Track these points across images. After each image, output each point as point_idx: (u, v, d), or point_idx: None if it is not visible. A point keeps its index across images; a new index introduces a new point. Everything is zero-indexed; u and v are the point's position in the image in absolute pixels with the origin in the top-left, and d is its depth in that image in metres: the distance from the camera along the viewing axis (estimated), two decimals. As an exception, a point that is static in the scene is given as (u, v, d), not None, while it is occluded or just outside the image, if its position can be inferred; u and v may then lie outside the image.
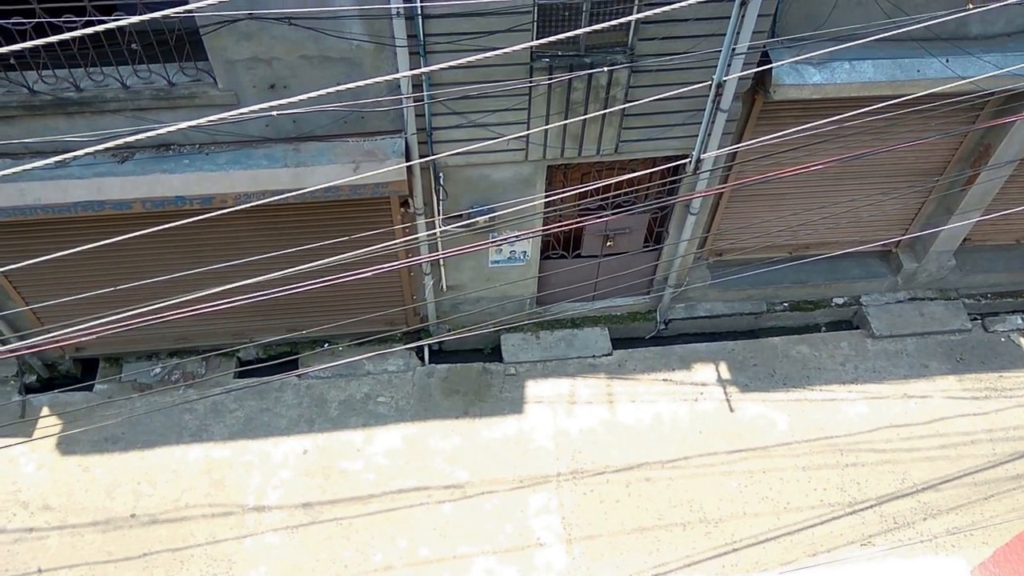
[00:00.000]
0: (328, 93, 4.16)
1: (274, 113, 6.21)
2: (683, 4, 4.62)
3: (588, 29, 4.41)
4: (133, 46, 5.93)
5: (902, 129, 7.36)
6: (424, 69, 5.68)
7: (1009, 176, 8.27)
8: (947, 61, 6.55)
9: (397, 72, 6.16)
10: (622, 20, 4.43)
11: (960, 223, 8.71)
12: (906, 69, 6.71)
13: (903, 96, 6.61)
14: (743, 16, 5.91)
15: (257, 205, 5.89)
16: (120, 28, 5.84)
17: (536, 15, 5.99)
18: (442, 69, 5.83)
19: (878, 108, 6.44)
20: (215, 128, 6.25)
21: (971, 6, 5.70)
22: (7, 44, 3.80)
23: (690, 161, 4.06)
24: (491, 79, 6.29)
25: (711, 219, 8.56)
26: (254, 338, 8.84)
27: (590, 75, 6.39)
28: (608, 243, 8.41)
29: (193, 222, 4.92)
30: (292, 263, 5.63)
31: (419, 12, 5.73)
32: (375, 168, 6.61)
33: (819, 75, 6.63)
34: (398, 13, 5.70)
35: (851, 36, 6.34)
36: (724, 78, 6.33)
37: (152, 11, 5.57)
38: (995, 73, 6.36)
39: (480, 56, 4.48)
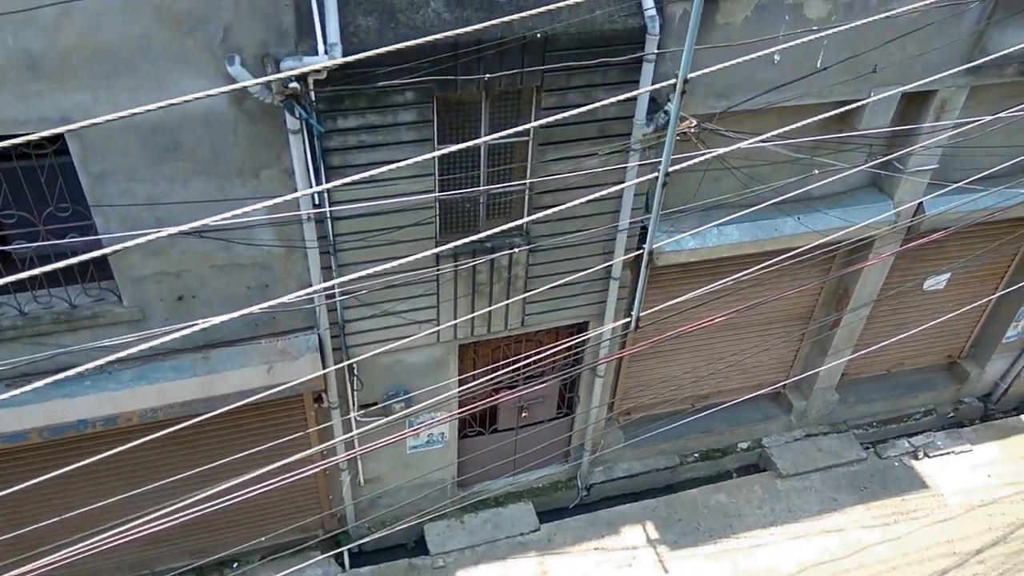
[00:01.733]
0: (242, 313, 4.25)
1: (181, 333, 6.16)
2: (569, 205, 5.18)
3: (483, 234, 4.82)
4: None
5: (773, 281, 8.19)
6: (334, 281, 5.91)
7: (869, 315, 9.24)
8: (799, 219, 7.50)
9: (308, 272, 6.36)
10: (514, 224, 4.90)
11: (834, 362, 9.51)
12: (765, 229, 7.61)
13: (768, 252, 7.45)
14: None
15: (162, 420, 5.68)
16: (20, 255, 5.78)
17: (438, 209, 6.45)
18: (354, 275, 6.09)
19: (749, 265, 7.21)
20: (119, 345, 6.10)
21: (816, 171, 6.68)
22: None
23: (631, 320, 4.50)
24: (400, 269, 6.58)
25: (616, 380, 8.93)
26: (154, 569, 8.06)
27: (492, 259, 6.83)
28: (523, 414, 8.54)
29: (93, 445, 4.66)
30: (199, 483, 5.36)
31: (328, 216, 6.04)
32: (289, 367, 6.58)
33: (693, 241, 7.39)
34: (308, 218, 5.98)
35: (717, 206, 7.19)
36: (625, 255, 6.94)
37: (56, 237, 5.61)
38: (843, 226, 7.33)
39: (388, 267, 4.75)
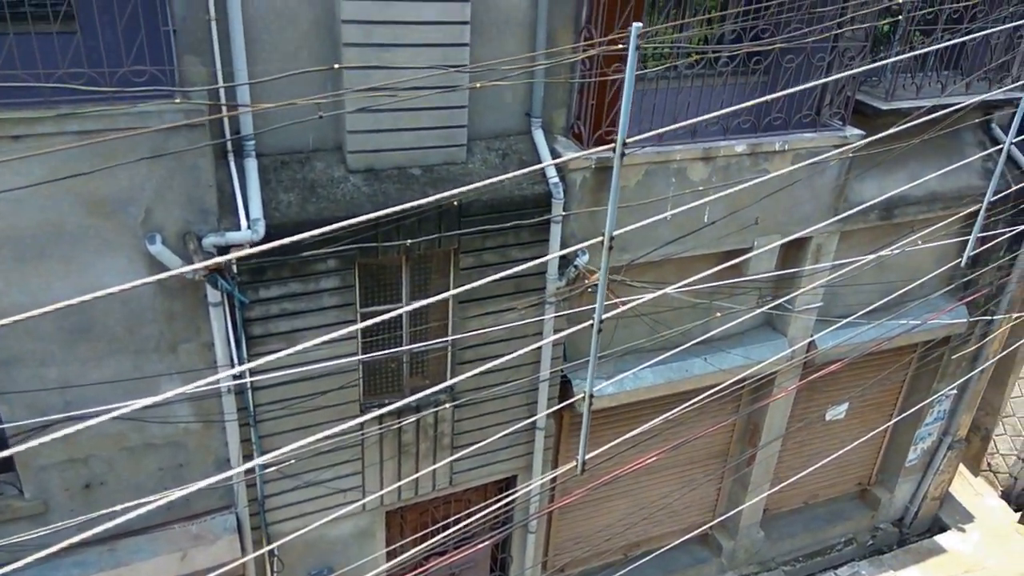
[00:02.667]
0: (156, 498, 4.08)
1: (91, 532, 5.74)
2: (494, 364, 5.35)
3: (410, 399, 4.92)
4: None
5: (691, 421, 8.47)
6: (256, 461, 5.75)
7: (781, 448, 9.59)
8: (706, 359, 7.91)
9: (226, 447, 6.13)
10: (445, 384, 5.01)
11: (755, 498, 9.71)
12: (677, 371, 7.97)
13: (681, 392, 7.76)
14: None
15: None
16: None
17: (362, 372, 6.47)
18: (276, 452, 5.94)
19: (664, 407, 7.47)
20: (15, 544, 5.58)
21: (718, 314, 7.16)
22: None
23: (576, 464, 4.51)
24: (322, 437, 6.44)
25: (547, 535, 8.75)
26: None
27: (418, 418, 6.81)
28: (456, 582, 8.17)
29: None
30: None
31: (249, 386, 5.95)
32: (205, 552, 6.16)
33: (612, 387, 7.64)
34: (228, 390, 5.86)
35: (628, 352, 7.53)
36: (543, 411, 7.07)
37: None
38: (746, 364, 7.78)
39: (312, 439, 4.71)
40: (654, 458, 7.78)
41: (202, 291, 5.51)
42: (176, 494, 3.37)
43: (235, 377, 5.84)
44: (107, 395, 5.52)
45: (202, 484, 3.90)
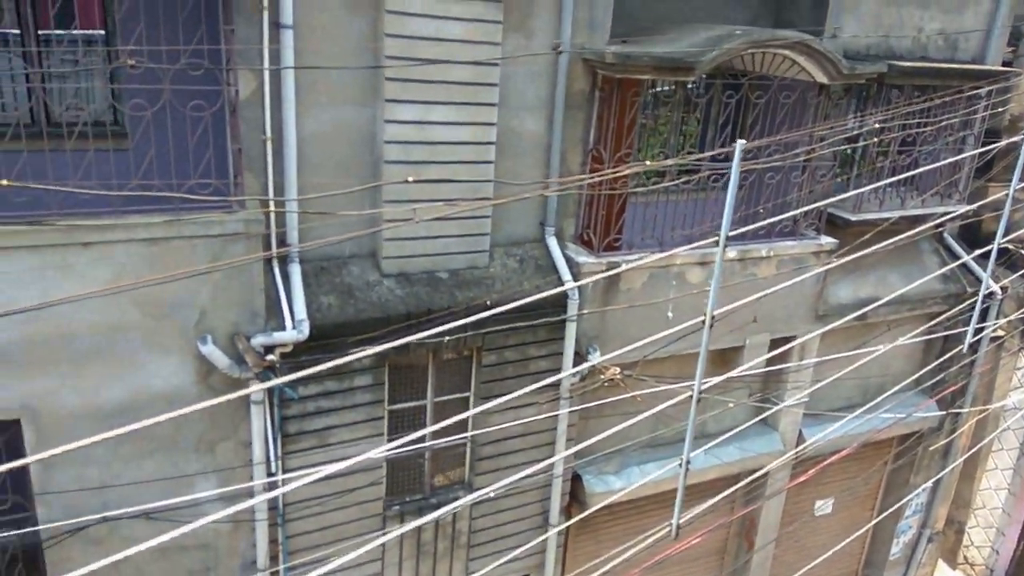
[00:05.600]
0: None
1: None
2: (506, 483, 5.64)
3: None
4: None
5: (693, 516, 8.71)
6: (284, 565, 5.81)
7: (775, 543, 9.84)
8: (705, 453, 8.27)
9: (254, 548, 6.16)
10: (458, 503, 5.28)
11: (755, 592, 9.84)
12: (674, 463, 8.28)
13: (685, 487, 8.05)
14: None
15: None
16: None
17: (387, 470, 6.63)
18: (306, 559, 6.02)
19: (667, 501, 7.72)
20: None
21: (731, 403, 7.59)
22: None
23: None
24: (346, 535, 6.52)
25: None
26: None
27: (438, 516, 6.92)
28: None
29: None
30: None
31: (280, 483, 6.06)
32: (226, 660, 6.05)
33: (619, 481, 7.90)
34: (264, 488, 5.96)
35: (632, 448, 7.85)
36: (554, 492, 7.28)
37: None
38: (742, 457, 8.15)
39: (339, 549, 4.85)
40: (658, 558, 7.97)
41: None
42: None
43: (268, 475, 5.96)
44: (143, 495, 5.59)
45: None
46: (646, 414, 5.04)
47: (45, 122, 5.11)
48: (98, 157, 5.09)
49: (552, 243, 7.04)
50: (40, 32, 5.56)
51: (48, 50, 5.47)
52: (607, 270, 7.02)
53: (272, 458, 5.90)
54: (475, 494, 4.44)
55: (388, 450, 6.43)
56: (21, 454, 5.20)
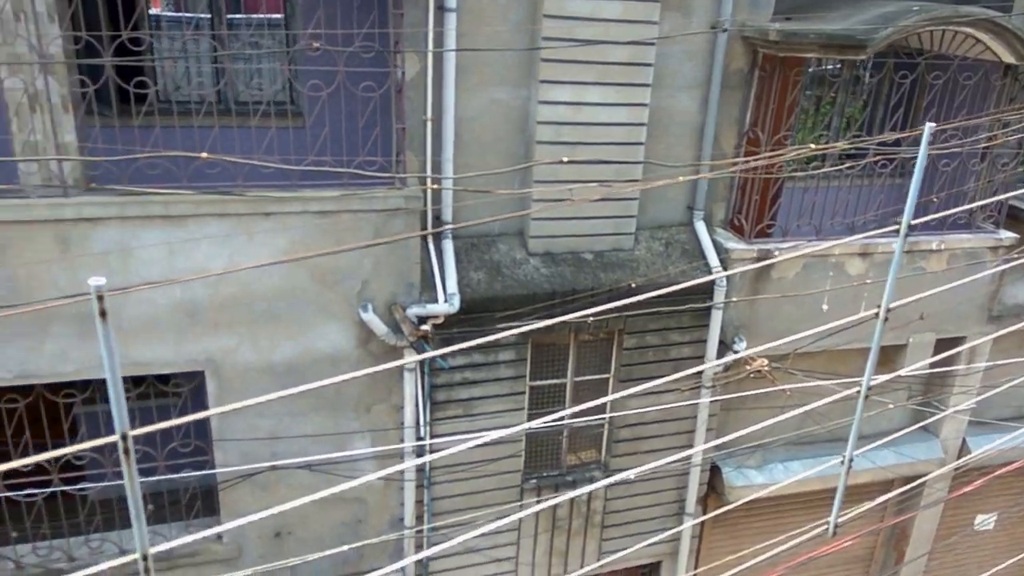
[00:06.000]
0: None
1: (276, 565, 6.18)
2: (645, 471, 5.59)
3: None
4: (150, 506, 5.96)
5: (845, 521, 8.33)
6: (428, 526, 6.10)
7: (928, 556, 9.22)
8: (861, 454, 7.85)
9: (402, 507, 6.52)
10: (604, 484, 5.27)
11: (900, 605, 9.28)
12: (826, 463, 7.92)
13: (830, 488, 7.70)
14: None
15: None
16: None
17: (526, 443, 6.80)
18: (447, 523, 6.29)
19: (810, 501, 7.42)
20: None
21: (890, 404, 7.20)
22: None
23: None
24: (486, 503, 6.75)
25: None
26: None
27: (573, 496, 7.02)
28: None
29: None
30: None
31: (428, 448, 6.36)
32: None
33: (761, 476, 7.67)
34: (411, 452, 6.29)
35: (775, 444, 7.59)
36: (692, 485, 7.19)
37: (172, 472, 5.86)
38: (897, 462, 7.68)
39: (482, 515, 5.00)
40: (802, 559, 7.68)
41: (400, 357, 6.03)
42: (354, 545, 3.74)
43: (418, 438, 6.27)
44: (307, 448, 6.05)
45: (378, 540, 4.26)
46: (800, 410, 4.87)
47: (232, 101, 5.60)
48: (277, 134, 5.51)
49: (700, 227, 6.90)
50: (228, 16, 6.08)
51: (235, 34, 5.97)
52: (758, 257, 6.80)
53: (422, 422, 6.20)
54: (611, 479, 4.47)
55: (529, 427, 6.62)
56: (204, 402, 5.77)
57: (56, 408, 5.52)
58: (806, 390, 7.02)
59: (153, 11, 6.69)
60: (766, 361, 6.57)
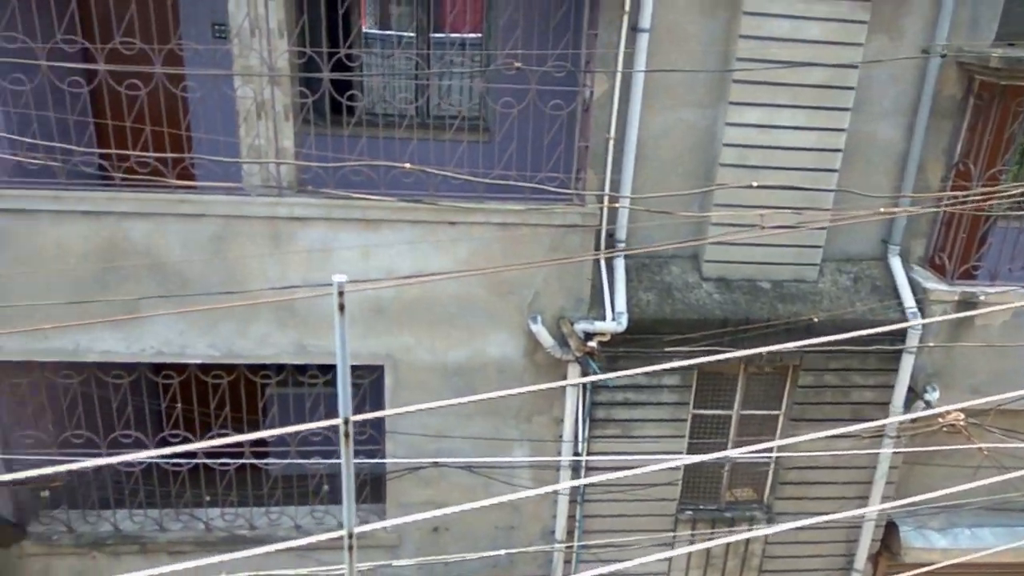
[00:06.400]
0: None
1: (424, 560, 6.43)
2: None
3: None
4: (325, 487, 6.42)
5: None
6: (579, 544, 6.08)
7: None
8: (1063, 532, 6.96)
9: (554, 519, 6.56)
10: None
11: None
12: (1022, 536, 7.08)
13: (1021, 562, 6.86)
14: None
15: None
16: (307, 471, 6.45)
17: (684, 472, 6.63)
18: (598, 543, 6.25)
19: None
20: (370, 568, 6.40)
21: None
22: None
23: None
24: (638, 527, 6.64)
25: None
26: None
27: (732, 540, 6.76)
28: None
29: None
30: None
31: (584, 465, 6.37)
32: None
33: (944, 540, 6.98)
34: (567, 466, 6.33)
35: (964, 507, 6.88)
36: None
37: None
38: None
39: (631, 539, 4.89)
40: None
41: (563, 370, 6.11)
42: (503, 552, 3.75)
43: (575, 454, 6.30)
44: (468, 450, 6.26)
45: (530, 550, 4.27)
46: (1000, 477, 4.40)
47: (427, 115, 5.96)
48: (468, 148, 5.78)
49: (895, 263, 6.43)
50: (431, 35, 6.48)
51: (437, 53, 6.34)
52: (961, 301, 6.22)
53: (580, 438, 6.23)
54: (776, 527, 4.24)
55: (690, 459, 6.44)
56: (381, 394, 6.14)
57: (253, 387, 6.09)
58: (1006, 451, 6.33)
59: (364, 29, 7.25)
60: (962, 415, 5.97)
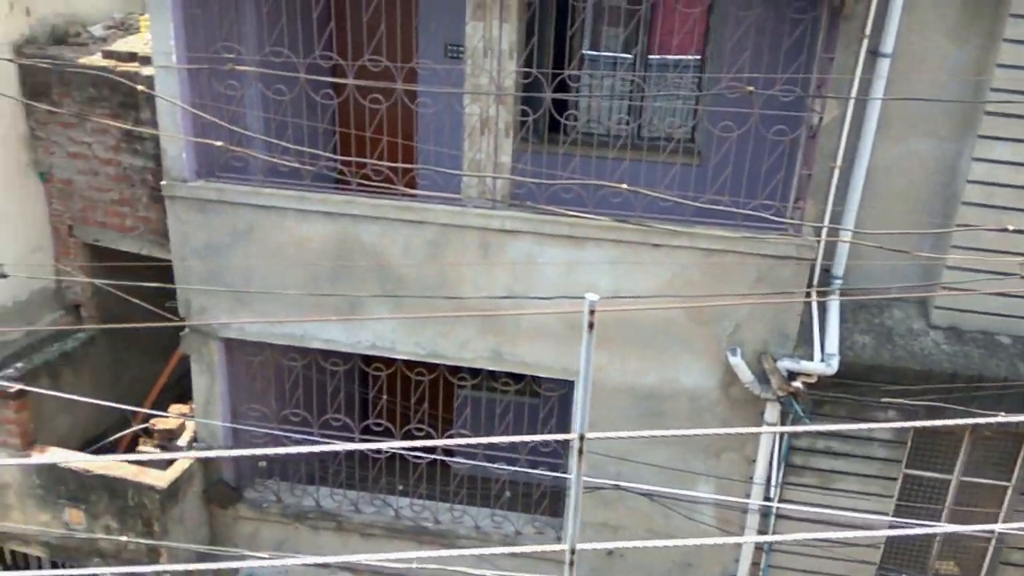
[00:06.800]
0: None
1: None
2: None
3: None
4: (507, 493, 6.57)
5: None
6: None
7: None
8: None
9: (736, 563, 6.26)
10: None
11: None
12: None
13: None
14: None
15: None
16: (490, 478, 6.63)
17: (887, 537, 6.06)
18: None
19: None
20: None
21: None
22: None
23: None
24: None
25: None
26: None
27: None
28: None
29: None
30: None
31: (774, 512, 6.02)
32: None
33: None
34: (754, 509, 6.01)
35: None
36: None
37: (530, 467, 6.34)
38: None
39: None
40: None
41: (760, 408, 5.82)
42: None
43: (766, 499, 5.97)
44: (649, 476, 6.12)
45: None
46: None
47: (640, 136, 5.94)
48: (679, 170, 5.69)
49: None
50: (648, 57, 6.46)
51: (656, 75, 6.32)
52: None
53: (772, 482, 5.89)
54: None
55: (896, 531, 5.86)
56: (568, 409, 6.18)
57: (450, 387, 6.38)
58: None
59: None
60: None
